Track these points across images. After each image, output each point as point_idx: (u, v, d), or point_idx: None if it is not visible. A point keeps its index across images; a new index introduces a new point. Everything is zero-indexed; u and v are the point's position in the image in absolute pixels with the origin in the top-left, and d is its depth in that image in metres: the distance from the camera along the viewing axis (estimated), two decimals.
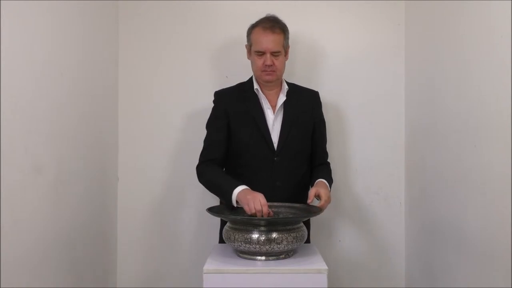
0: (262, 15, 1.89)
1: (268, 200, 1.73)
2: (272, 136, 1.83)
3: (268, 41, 1.79)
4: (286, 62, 1.92)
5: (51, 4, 1.60)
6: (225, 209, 1.70)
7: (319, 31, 2.27)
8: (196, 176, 1.85)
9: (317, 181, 1.82)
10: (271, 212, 1.61)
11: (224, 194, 1.71)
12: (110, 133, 2.21)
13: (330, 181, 1.87)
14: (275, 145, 1.82)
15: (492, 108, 1.49)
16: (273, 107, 1.87)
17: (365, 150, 2.29)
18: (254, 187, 1.69)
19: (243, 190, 1.64)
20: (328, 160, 2.01)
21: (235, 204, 1.66)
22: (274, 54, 1.80)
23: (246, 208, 1.59)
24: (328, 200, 1.73)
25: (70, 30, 1.75)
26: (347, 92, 2.28)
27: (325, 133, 1.98)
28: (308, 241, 1.79)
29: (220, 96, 1.91)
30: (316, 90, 2.00)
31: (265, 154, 1.82)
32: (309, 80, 2.19)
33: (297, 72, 2.20)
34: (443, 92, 1.85)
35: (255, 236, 1.46)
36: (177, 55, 2.27)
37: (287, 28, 1.88)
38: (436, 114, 1.92)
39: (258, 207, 1.56)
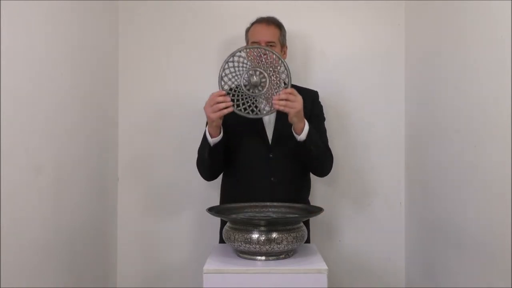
0: (262, 15, 1.92)
1: (265, 198, 1.74)
2: (267, 133, 1.84)
3: (262, 31, 1.84)
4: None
5: (51, 4, 1.60)
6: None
7: (319, 31, 2.28)
8: (198, 173, 1.87)
9: None
10: (228, 98, 1.64)
11: (204, 144, 1.74)
12: (110, 133, 2.21)
13: (315, 133, 1.73)
14: (270, 142, 1.84)
15: (492, 108, 1.49)
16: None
17: (365, 150, 2.29)
18: (250, 183, 1.77)
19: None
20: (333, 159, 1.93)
21: (211, 140, 1.70)
22: (269, 44, 1.82)
23: (214, 115, 1.63)
24: (292, 97, 1.63)
25: (70, 29, 1.75)
26: (347, 92, 2.28)
27: (324, 129, 1.94)
28: (308, 241, 1.78)
29: None
30: (315, 90, 1.99)
31: (261, 150, 1.83)
32: (309, 80, 2.19)
33: (296, 72, 2.20)
34: (443, 92, 1.85)
35: (255, 236, 1.46)
36: (177, 55, 2.27)
37: (283, 26, 1.92)
38: (436, 114, 1.92)
39: (215, 106, 1.62)
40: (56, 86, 1.64)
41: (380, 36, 2.28)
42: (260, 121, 1.84)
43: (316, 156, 1.77)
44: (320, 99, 1.97)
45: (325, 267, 1.44)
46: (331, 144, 1.96)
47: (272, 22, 1.88)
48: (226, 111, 1.64)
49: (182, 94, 2.27)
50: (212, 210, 1.61)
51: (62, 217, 1.69)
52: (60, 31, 1.67)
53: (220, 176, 1.97)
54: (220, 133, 1.72)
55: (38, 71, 1.52)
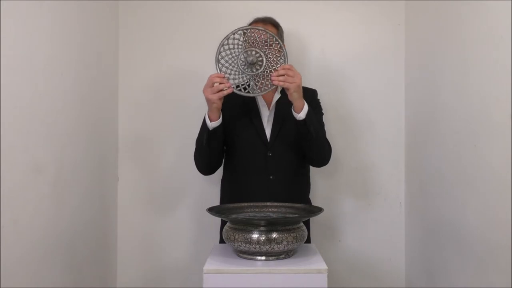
0: (261, 15, 1.92)
1: (264, 196, 1.74)
2: (266, 132, 1.85)
3: None
4: None
5: (51, 4, 1.60)
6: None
7: (319, 31, 2.28)
8: (199, 174, 1.88)
9: None
10: (225, 81, 1.62)
11: (203, 130, 1.73)
12: (110, 133, 2.21)
13: (314, 115, 1.74)
14: (269, 140, 1.84)
15: (492, 108, 1.49)
16: (269, 104, 1.88)
17: (365, 150, 2.29)
18: (249, 181, 1.77)
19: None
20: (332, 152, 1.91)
21: (210, 124, 1.68)
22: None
23: (214, 96, 1.61)
24: (290, 73, 1.62)
25: (70, 30, 1.75)
26: (347, 92, 2.28)
27: (323, 123, 1.92)
28: (308, 241, 1.79)
29: None
30: (315, 89, 1.99)
31: (259, 149, 1.83)
32: (309, 80, 2.19)
33: None
34: (443, 92, 1.85)
35: (255, 236, 1.46)
36: (177, 54, 2.28)
37: (280, 26, 1.92)
38: (436, 114, 1.92)
39: (213, 88, 1.60)
40: (56, 86, 1.64)
41: (380, 36, 2.29)
42: (259, 122, 1.85)
43: (315, 140, 1.74)
44: (318, 97, 1.97)
45: (325, 267, 1.44)
46: (331, 144, 1.97)
47: (269, 22, 1.88)
48: (226, 92, 1.62)
49: (182, 93, 2.27)
50: (212, 210, 1.61)
51: (62, 217, 1.69)
52: (60, 31, 1.67)
53: (220, 176, 1.97)
54: (219, 117, 1.70)
55: (38, 71, 1.52)
